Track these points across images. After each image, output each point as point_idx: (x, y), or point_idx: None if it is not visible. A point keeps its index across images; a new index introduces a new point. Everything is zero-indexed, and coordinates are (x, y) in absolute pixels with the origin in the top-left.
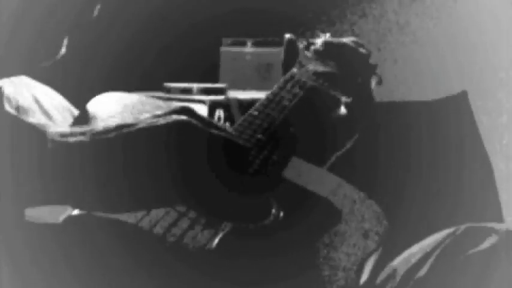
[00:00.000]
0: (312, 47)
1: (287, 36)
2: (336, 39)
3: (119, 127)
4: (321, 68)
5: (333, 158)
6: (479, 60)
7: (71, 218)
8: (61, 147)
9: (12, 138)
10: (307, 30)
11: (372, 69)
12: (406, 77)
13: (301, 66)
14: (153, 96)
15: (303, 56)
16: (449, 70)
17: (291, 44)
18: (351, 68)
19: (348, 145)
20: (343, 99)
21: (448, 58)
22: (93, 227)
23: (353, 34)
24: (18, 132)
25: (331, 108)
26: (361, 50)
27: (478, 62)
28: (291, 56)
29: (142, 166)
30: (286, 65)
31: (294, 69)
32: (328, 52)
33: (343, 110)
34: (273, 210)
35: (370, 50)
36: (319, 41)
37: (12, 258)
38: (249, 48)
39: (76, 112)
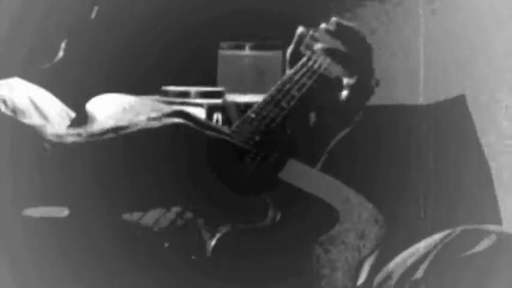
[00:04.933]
0: (323, 26)
1: (300, 29)
2: (345, 22)
3: (115, 129)
4: (329, 45)
5: (327, 151)
6: (480, 62)
7: (71, 217)
8: (57, 148)
9: (10, 139)
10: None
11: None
12: (406, 79)
13: (311, 49)
14: (151, 99)
15: (310, 37)
16: (449, 73)
17: (302, 37)
18: (357, 49)
19: (342, 134)
20: (346, 81)
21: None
22: (91, 226)
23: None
24: (16, 133)
25: (333, 94)
26: (367, 39)
27: (480, 65)
28: (299, 49)
29: (137, 168)
30: (294, 58)
31: (304, 58)
32: (339, 32)
33: (345, 93)
34: (271, 212)
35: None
36: (331, 21)
37: (11, 258)
38: (247, 52)
39: (73, 115)
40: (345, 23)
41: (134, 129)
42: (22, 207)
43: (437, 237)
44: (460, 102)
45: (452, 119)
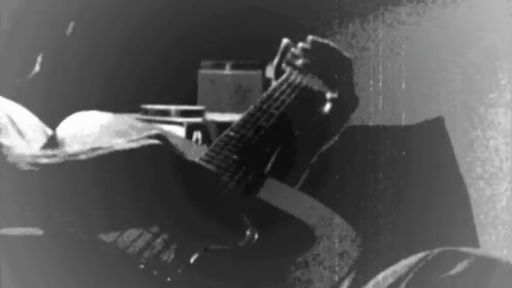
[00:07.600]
0: (300, 45)
1: (284, 40)
2: (321, 39)
3: (92, 149)
4: (308, 62)
5: (309, 166)
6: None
7: (46, 237)
8: (33, 169)
9: None
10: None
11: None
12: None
13: (291, 64)
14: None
15: (291, 54)
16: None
17: (287, 48)
18: (336, 65)
19: (325, 147)
20: (329, 95)
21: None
22: (67, 247)
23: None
24: None
25: (316, 108)
26: (345, 53)
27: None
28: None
29: (114, 188)
30: (279, 69)
31: (284, 75)
32: (315, 49)
33: (328, 106)
34: (248, 232)
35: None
36: (307, 39)
37: None
38: (227, 71)
39: (49, 131)
40: (320, 40)
41: (112, 150)
42: None
43: (414, 258)
44: (438, 124)
45: (429, 140)
